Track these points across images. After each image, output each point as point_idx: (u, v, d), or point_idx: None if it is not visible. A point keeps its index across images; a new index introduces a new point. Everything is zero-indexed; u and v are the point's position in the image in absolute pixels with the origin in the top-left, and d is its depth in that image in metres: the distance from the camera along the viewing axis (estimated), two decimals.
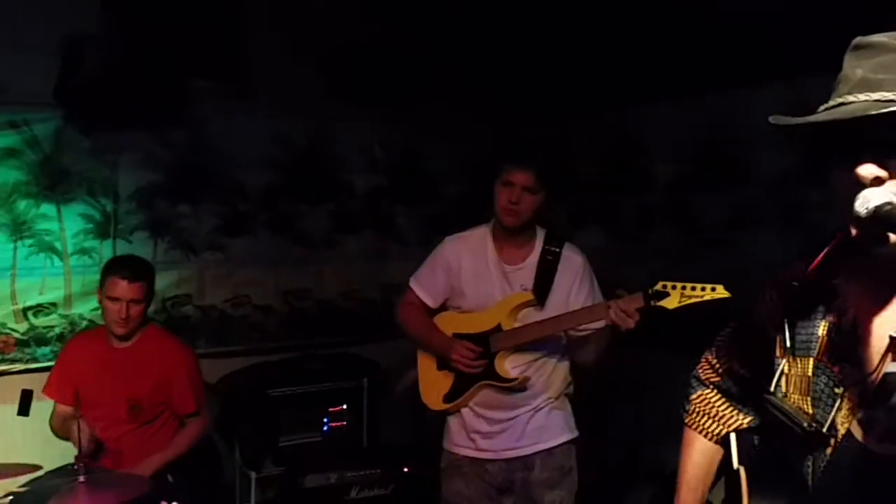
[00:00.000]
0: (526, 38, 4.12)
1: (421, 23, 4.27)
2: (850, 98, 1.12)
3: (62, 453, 3.07)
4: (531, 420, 2.69)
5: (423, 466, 3.40)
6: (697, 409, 1.59)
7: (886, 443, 1.13)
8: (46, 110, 3.56)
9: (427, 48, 4.41)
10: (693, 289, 2.28)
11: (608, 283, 2.75)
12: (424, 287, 2.83)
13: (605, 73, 3.97)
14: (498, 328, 2.65)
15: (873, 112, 1.05)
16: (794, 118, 1.17)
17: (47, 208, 3.65)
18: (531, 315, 2.65)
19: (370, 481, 3.51)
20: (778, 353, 1.33)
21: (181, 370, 3.18)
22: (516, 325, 2.65)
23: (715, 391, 1.57)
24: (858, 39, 1.16)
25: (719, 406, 1.55)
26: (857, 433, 1.17)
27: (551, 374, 2.71)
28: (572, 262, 2.70)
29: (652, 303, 2.33)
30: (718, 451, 1.56)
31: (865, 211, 1.07)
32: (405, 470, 3.58)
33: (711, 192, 3.71)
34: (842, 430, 1.20)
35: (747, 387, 1.47)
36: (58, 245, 3.67)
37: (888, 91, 1.08)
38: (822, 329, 1.25)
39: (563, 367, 2.75)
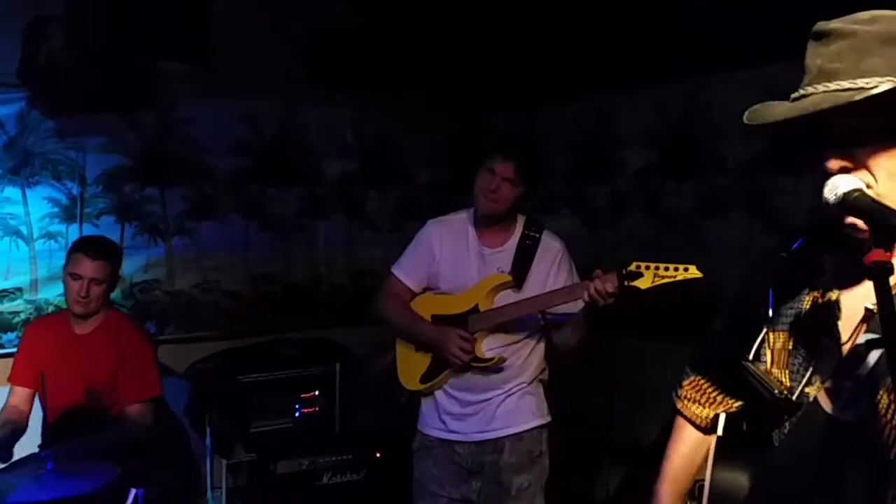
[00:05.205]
0: (499, 27, 4.12)
1: (394, 10, 4.25)
2: (810, 90, 1.13)
3: (30, 440, 3.03)
4: (502, 404, 2.70)
5: (395, 451, 3.42)
6: (688, 396, 1.58)
7: (850, 410, 1.16)
8: (11, 91, 3.48)
9: (400, 34, 4.39)
10: (666, 269, 2.30)
11: (580, 270, 2.79)
12: (408, 273, 2.82)
13: (576, 63, 3.99)
14: (475, 309, 2.67)
15: (825, 106, 1.07)
16: (762, 113, 1.17)
17: (12, 192, 3.57)
18: (509, 297, 2.66)
19: (342, 467, 3.52)
20: (763, 322, 1.35)
21: (138, 359, 3.15)
22: (494, 306, 2.67)
23: (703, 379, 1.57)
24: (817, 26, 1.16)
25: (709, 391, 1.55)
26: (824, 402, 1.20)
27: (526, 359, 2.73)
28: (551, 247, 2.72)
29: (626, 283, 2.34)
30: (706, 441, 1.54)
31: (834, 197, 1.10)
32: (377, 455, 3.59)
33: (680, 179, 3.76)
34: (810, 399, 1.23)
35: (736, 370, 1.46)
36: (23, 229, 3.60)
37: (844, 79, 1.09)
38: (806, 304, 1.28)
39: (539, 352, 2.77)
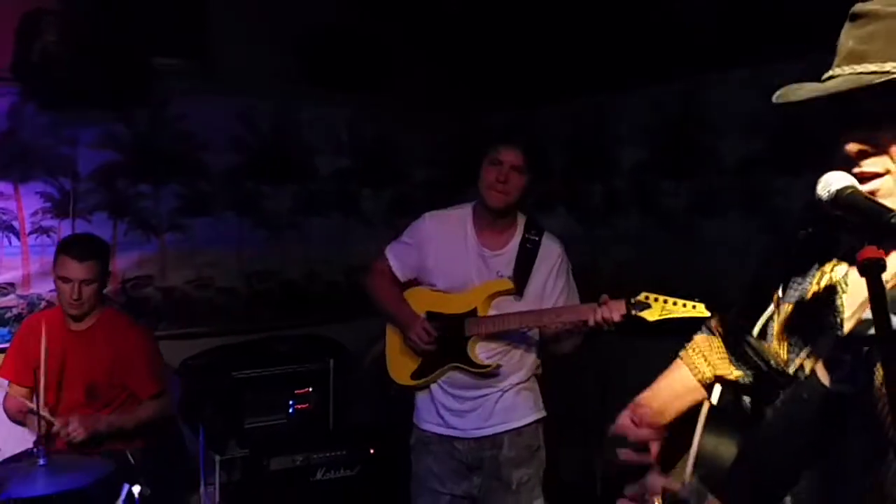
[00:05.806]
0: (498, 27, 4.11)
1: (394, 9, 4.24)
2: (838, 71, 1.12)
3: (23, 436, 3.03)
4: (500, 400, 2.70)
5: (389, 447, 3.41)
6: (695, 348, 1.57)
7: (847, 383, 1.15)
8: (4, 86, 3.46)
9: (400, 34, 4.38)
10: (674, 303, 2.35)
11: (576, 269, 2.78)
12: (399, 258, 2.81)
13: (573, 61, 3.99)
14: (474, 312, 2.65)
15: (847, 87, 1.06)
16: (789, 93, 1.15)
17: (4, 186, 3.56)
18: (508, 303, 2.66)
19: (336, 463, 3.51)
20: (773, 299, 1.34)
21: (139, 353, 3.14)
22: (492, 311, 2.65)
23: (719, 340, 1.55)
24: (855, 7, 1.15)
25: (717, 352, 1.53)
26: (822, 374, 1.18)
27: (521, 359, 2.73)
28: (551, 251, 2.71)
29: (633, 312, 2.39)
30: (697, 390, 1.52)
31: (827, 195, 1.08)
32: (371, 451, 3.58)
33: (678, 178, 3.75)
34: (807, 372, 1.22)
35: (741, 344, 1.45)
36: (15, 224, 3.58)
37: (872, 62, 1.08)
38: (814, 280, 1.26)
39: (534, 350, 2.76)
